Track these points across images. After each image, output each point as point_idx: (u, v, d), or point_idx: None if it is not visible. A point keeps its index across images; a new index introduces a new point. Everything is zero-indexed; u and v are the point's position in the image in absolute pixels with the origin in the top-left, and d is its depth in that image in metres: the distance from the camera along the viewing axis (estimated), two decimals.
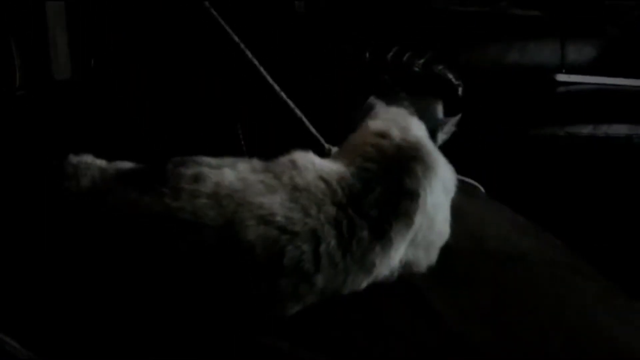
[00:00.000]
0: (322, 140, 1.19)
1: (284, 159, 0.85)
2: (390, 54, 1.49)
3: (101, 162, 0.87)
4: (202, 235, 0.73)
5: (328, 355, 0.75)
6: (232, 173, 0.79)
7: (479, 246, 1.00)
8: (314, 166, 0.83)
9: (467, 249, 0.96)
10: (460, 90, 1.52)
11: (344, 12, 1.77)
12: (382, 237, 0.81)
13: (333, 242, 0.77)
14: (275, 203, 0.77)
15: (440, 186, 0.89)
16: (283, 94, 1.19)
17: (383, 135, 0.92)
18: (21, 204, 0.85)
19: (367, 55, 1.46)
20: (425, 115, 1.04)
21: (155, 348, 0.73)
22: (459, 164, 0.98)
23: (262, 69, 1.17)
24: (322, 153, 1.08)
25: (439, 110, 1.34)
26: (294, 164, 0.83)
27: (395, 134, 0.92)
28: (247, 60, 1.17)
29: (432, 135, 1.01)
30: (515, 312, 0.85)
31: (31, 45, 1.28)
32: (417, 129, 0.97)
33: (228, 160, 0.83)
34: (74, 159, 0.86)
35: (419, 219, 0.84)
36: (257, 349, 0.75)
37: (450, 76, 1.53)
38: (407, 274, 0.86)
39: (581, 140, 1.61)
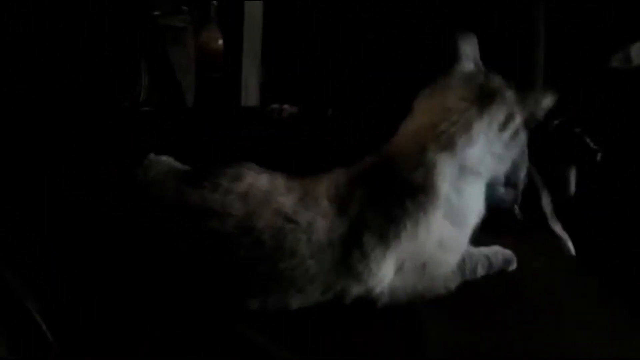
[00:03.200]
0: None
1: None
2: None
3: (176, 163, 1.02)
4: (224, 223, 0.87)
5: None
6: (268, 177, 0.92)
7: None
8: (329, 176, 0.94)
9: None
10: (599, 156, 1.41)
11: None
12: (360, 244, 0.88)
13: (322, 235, 0.87)
14: (288, 199, 0.89)
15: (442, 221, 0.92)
16: None
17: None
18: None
19: None
20: None
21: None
22: None
23: None
24: None
25: None
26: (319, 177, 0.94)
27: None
28: None
29: None
30: None
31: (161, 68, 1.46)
32: None
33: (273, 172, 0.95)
34: (152, 156, 1.02)
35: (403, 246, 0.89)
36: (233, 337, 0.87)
37: (588, 141, 1.43)
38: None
39: None
